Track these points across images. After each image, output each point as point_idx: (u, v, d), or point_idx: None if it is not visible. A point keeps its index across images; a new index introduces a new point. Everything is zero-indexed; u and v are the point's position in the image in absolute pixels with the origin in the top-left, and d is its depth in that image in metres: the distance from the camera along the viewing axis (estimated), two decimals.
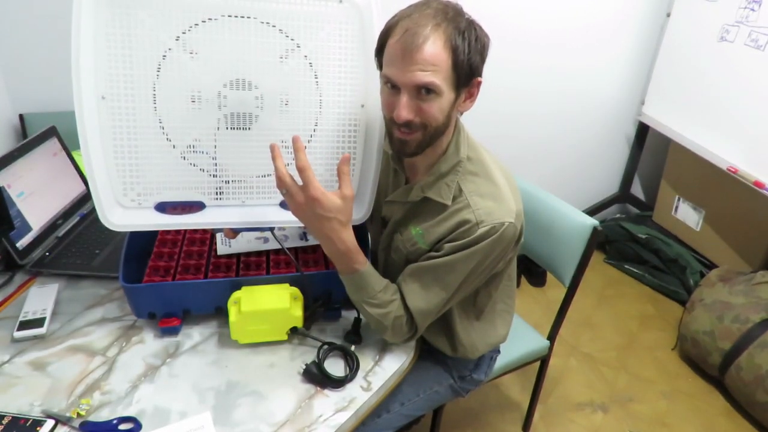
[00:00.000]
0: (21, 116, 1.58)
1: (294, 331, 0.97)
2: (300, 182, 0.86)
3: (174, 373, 0.92)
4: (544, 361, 1.51)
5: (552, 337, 1.47)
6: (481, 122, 1.32)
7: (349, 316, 1.05)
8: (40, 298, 1.05)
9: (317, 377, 0.91)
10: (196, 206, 0.95)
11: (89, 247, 1.22)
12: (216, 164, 0.93)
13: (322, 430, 0.84)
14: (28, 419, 0.80)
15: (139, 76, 0.85)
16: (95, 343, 0.97)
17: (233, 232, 1.02)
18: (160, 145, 0.90)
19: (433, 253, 0.94)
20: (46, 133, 1.30)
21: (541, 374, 1.54)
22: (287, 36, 0.88)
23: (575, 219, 1.33)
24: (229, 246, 1.11)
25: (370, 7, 0.89)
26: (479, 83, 0.89)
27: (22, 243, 1.14)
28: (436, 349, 1.14)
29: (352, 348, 0.98)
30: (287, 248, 1.06)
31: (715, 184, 2.17)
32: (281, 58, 0.89)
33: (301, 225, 0.96)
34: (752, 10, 1.80)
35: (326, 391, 0.90)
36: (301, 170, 0.84)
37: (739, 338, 1.73)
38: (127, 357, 0.95)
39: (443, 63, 0.82)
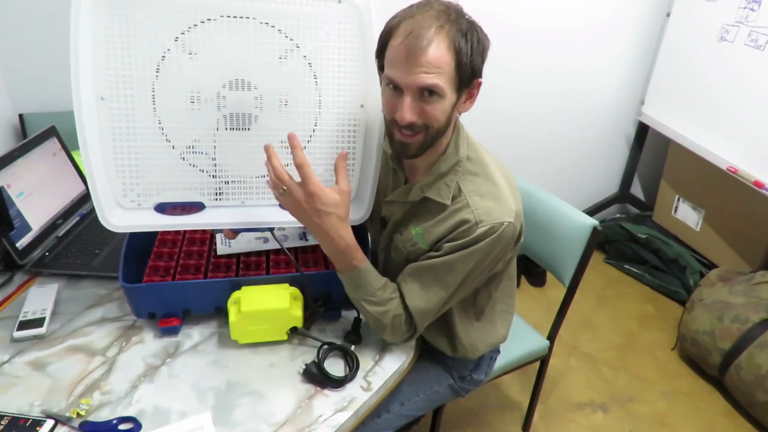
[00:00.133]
0: (21, 116, 1.58)
1: (294, 331, 0.97)
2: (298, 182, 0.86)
3: (174, 373, 0.92)
4: (544, 361, 1.51)
5: (552, 337, 1.47)
6: (481, 122, 1.32)
7: (349, 316, 1.05)
8: (39, 298, 1.05)
9: (317, 377, 0.91)
10: (195, 207, 0.95)
11: (89, 247, 1.22)
12: (215, 165, 0.93)
13: (322, 430, 0.84)
14: (27, 419, 0.80)
15: (138, 77, 0.85)
16: (95, 343, 0.97)
17: (233, 233, 1.03)
18: (160, 146, 0.90)
19: (432, 253, 0.94)
20: (45, 133, 1.30)
21: (541, 374, 1.54)
22: (286, 36, 0.88)
23: (575, 219, 1.33)
24: (229, 246, 1.11)
25: (369, 7, 0.89)
26: (479, 84, 0.90)
27: (21, 243, 1.14)
28: (435, 349, 1.14)
29: (352, 348, 0.98)
30: (287, 248, 1.06)
31: (714, 184, 2.17)
32: (280, 58, 0.89)
33: (301, 225, 0.96)
34: (752, 10, 1.80)
35: (326, 391, 0.90)
36: (299, 166, 0.84)
37: (739, 338, 1.73)
38: (127, 357, 0.95)
39: (447, 65, 0.82)
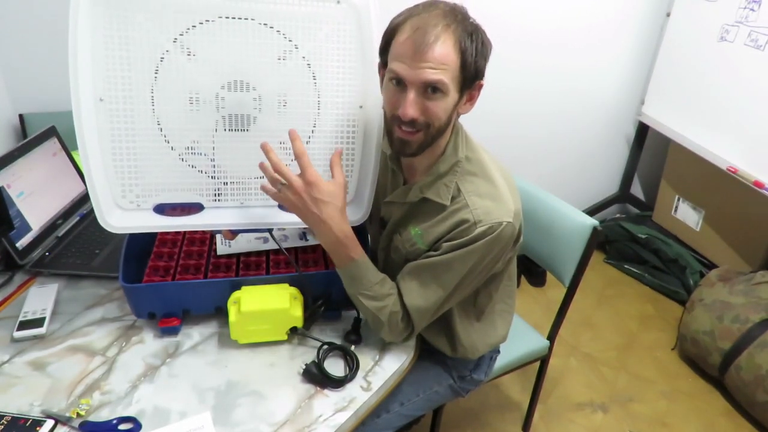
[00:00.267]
0: (21, 116, 1.58)
1: (294, 331, 0.97)
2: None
3: (174, 373, 0.92)
4: (544, 361, 1.51)
5: (552, 337, 1.47)
6: (481, 122, 1.32)
7: (349, 316, 1.05)
8: (39, 298, 1.05)
9: (317, 377, 0.91)
10: (194, 208, 0.95)
11: (89, 247, 1.22)
12: (214, 166, 0.93)
13: (322, 430, 0.84)
14: (27, 419, 0.80)
15: (137, 78, 0.85)
16: (95, 343, 0.97)
17: (232, 234, 1.03)
18: (159, 147, 0.90)
19: (431, 253, 0.94)
20: (45, 133, 1.30)
21: (541, 374, 1.54)
22: (285, 37, 0.89)
23: (575, 219, 1.33)
24: (229, 246, 1.11)
25: (367, 8, 0.90)
26: (481, 86, 0.90)
27: (21, 243, 1.14)
28: (435, 349, 1.14)
29: (352, 348, 0.98)
30: (287, 248, 1.06)
31: (714, 184, 2.17)
32: (279, 59, 0.89)
33: (300, 226, 0.97)
34: (752, 10, 1.80)
35: (326, 391, 0.90)
36: (298, 156, 0.87)
37: (739, 338, 1.73)
38: (126, 357, 0.95)
39: (452, 63, 0.82)
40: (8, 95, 1.60)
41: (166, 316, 0.99)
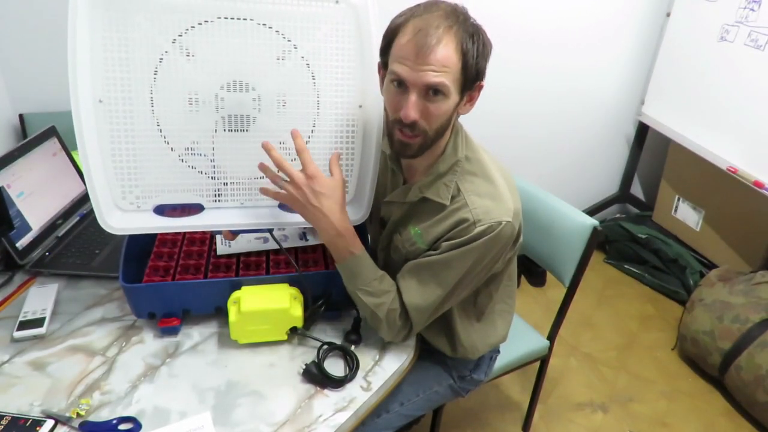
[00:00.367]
0: (21, 116, 1.58)
1: (294, 331, 0.97)
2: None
3: (174, 373, 0.92)
4: (544, 361, 1.51)
5: (552, 337, 1.47)
6: (481, 122, 1.32)
7: (349, 316, 1.05)
8: (39, 298, 1.05)
9: (317, 377, 0.91)
10: (194, 208, 0.96)
11: (89, 247, 1.22)
12: (214, 166, 0.93)
13: (322, 430, 0.84)
14: (27, 419, 0.80)
15: (136, 79, 0.85)
16: (95, 343, 0.97)
17: (232, 234, 1.03)
18: (158, 148, 0.90)
19: (431, 252, 0.94)
20: (45, 133, 1.30)
21: (541, 374, 1.54)
22: (284, 37, 0.89)
23: (575, 219, 1.33)
24: (229, 246, 1.11)
25: (366, 7, 0.90)
26: (481, 87, 0.90)
27: (21, 243, 1.14)
28: (435, 349, 1.14)
29: (352, 348, 0.98)
30: (287, 248, 1.06)
31: (714, 184, 2.17)
32: (278, 59, 0.89)
33: (300, 225, 0.97)
34: (752, 10, 1.80)
35: (326, 391, 0.91)
36: (300, 152, 0.89)
37: (739, 338, 1.73)
38: (126, 357, 0.95)
39: (454, 65, 0.82)
40: (8, 95, 1.60)
41: (166, 316, 0.99)
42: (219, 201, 0.96)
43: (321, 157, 0.96)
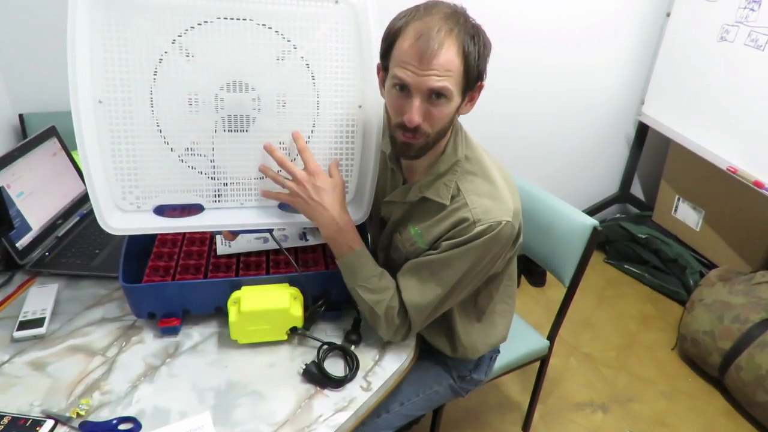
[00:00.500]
0: (21, 116, 1.58)
1: (294, 331, 0.97)
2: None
3: (174, 373, 0.92)
4: (544, 361, 1.51)
5: (552, 337, 1.47)
6: (481, 122, 1.32)
7: (349, 316, 1.05)
8: (39, 298, 1.05)
9: (317, 377, 0.91)
10: (194, 209, 0.96)
11: (89, 247, 1.22)
12: (214, 167, 0.93)
13: (322, 430, 0.84)
14: (27, 419, 0.80)
15: (136, 80, 0.85)
16: (95, 343, 0.97)
17: (232, 234, 1.03)
18: (158, 149, 0.90)
19: (431, 251, 0.94)
20: (45, 133, 1.30)
21: (541, 374, 1.54)
22: (283, 37, 0.89)
23: (575, 219, 1.33)
24: (229, 246, 1.11)
25: (365, 7, 0.90)
26: (481, 87, 0.90)
27: (21, 243, 1.14)
28: (435, 349, 1.14)
29: (352, 348, 0.98)
30: (287, 248, 1.06)
31: (714, 184, 2.17)
32: (278, 59, 0.89)
33: (300, 224, 0.97)
34: (752, 10, 1.80)
35: (326, 391, 0.91)
36: (301, 151, 0.92)
37: (739, 338, 1.73)
38: (126, 357, 0.95)
39: (456, 68, 0.83)
40: (8, 95, 1.60)
41: (166, 316, 0.99)
42: (219, 201, 0.96)
43: (321, 157, 0.96)
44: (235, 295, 0.96)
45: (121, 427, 0.81)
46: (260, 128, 0.92)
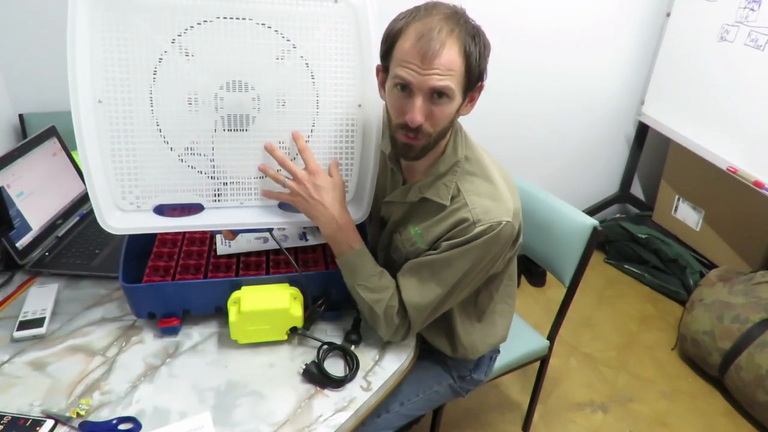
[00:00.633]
0: (21, 116, 1.58)
1: (294, 331, 0.97)
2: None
3: (174, 373, 0.92)
4: (544, 361, 1.51)
5: (552, 337, 1.47)
6: (481, 122, 1.32)
7: (349, 316, 1.05)
8: (39, 298, 1.05)
9: (317, 377, 0.91)
10: (194, 208, 0.96)
11: (89, 247, 1.22)
12: (214, 166, 0.93)
13: (322, 430, 0.84)
14: (27, 419, 0.80)
15: (136, 80, 0.85)
16: (95, 343, 0.97)
17: (232, 234, 1.03)
18: (158, 148, 0.90)
19: (431, 252, 0.94)
20: (45, 133, 1.30)
21: (541, 374, 1.54)
22: (283, 36, 0.89)
23: (575, 219, 1.33)
24: (229, 246, 1.11)
25: (365, 7, 0.90)
26: (482, 87, 0.90)
27: (21, 243, 1.14)
28: (435, 349, 1.14)
29: (352, 348, 0.98)
30: (287, 248, 1.06)
31: (714, 184, 2.17)
32: (277, 59, 0.90)
33: (300, 224, 0.97)
34: (752, 10, 1.80)
35: (326, 391, 0.91)
36: (301, 151, 0.92)
37: (739, 338, 1.73)
38: (126, 357, 0.95)
39: (458, 68, 0.83)
40: (8, 95, 1.60)
41: (166, 316, 0.99)
42: (219, 201, 0.96)
43: (321, 156, 0.96)
44: (235, 295, 0.96)
45: (121, 427, 0.81)
46: (260, 128, 0.92)
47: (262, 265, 1.08)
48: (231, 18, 0.86)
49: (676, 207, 2.40)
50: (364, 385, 0.92)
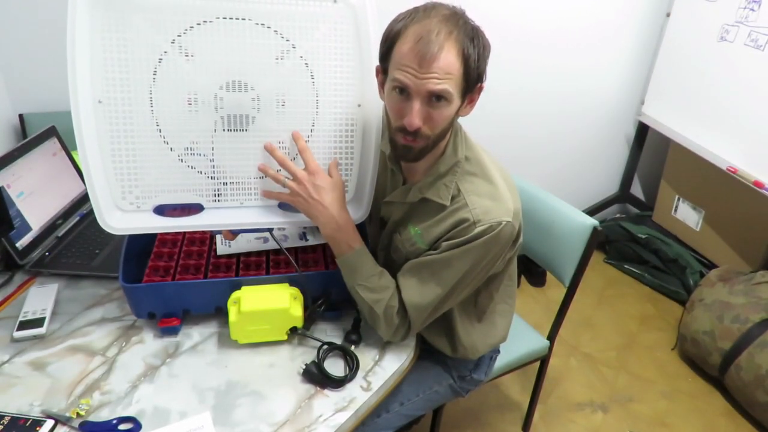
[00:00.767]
0: (21, 116, 1.58)
1: (294, 331, 0.97)
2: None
3: (174, 373, 0.92)
4: (544, 361, 1.51)
5: (552, 337, 1.47)
6: (481, 122, 1.32)
7: (349, 316, 1.05)
8: (39, 298, 1.05)
9: (317, 377, 0.91)
10: (194, 208, 0.96)
11: (89, 247, 1.22)
12: (214, 166, 0.94)
13: (322, 430, 0.84)
14: (27, 419, 0.80)
15: (136, 80, 0.85)
16: (95, 343, 0.97)
17: (232, 234, 1.03)
18: (158, 148, 0.90)
19: (431, 252, 0.94)
20: (45, 133, 1.30)
21: (541, 374, 1.54)
22: (282, 37, 0.89)
23: (575, 219, 1.33)
24: (229, 246, 1.11)
25: (364, 7, 0.90)
26: (481, 89, 0.90)
27: (21, 243, 1.14)
28: (435, 349, 1.14)
29: (352, 348, 0.98)
30: (287, 248, 1.06)
31: (714, 184, 2.17)
32: (277, 59, 0.90)
33: (299, 224, 0.97)
34: (752, 10, 1.80)
35: (326, 391, 0.91)
36: (301, 151, 0.92)
37: (739, 338, 1.73)
38: (126, 357, 0.95)
39: (456, 71, 0.82)
40: (8, 95, 1.60)
41: (166, 316, 0.99)
42: (219, 201, 0.96)
43: (320, 156, 0.96)
44: (235, 295, 0.96)
45: (121, 427, 0.81)
46: (260, 128, 0.92)
47: (262, 265, 1.08)
48: (231, 18, 0.86)
49: (676, 207, 2.40)
50: (364, 385, 0.93)
